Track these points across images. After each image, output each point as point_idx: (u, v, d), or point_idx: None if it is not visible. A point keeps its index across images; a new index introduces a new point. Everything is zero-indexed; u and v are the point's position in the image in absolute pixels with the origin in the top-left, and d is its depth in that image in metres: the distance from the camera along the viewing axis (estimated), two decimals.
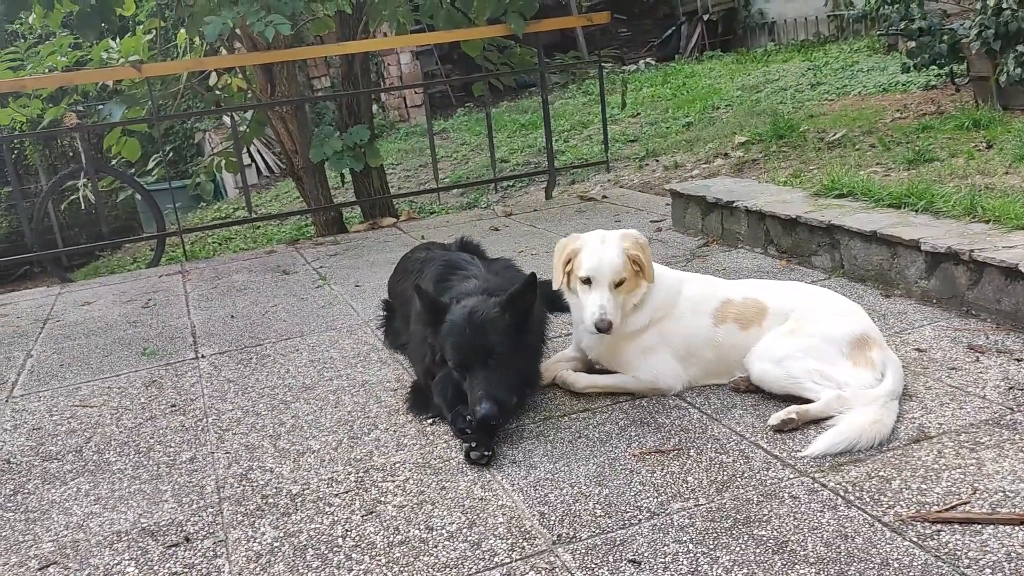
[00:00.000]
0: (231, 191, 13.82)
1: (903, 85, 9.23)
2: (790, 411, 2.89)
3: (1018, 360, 3.20)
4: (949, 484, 2.46)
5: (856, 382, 2.93)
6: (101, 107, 8.12)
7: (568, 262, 3.23)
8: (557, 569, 2.27)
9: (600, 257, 3.14)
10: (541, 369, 3.41)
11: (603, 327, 3.09)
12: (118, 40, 7.65)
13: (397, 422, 3.27)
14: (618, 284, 3.13)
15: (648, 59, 16.42)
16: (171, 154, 13.79)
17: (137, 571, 2.47)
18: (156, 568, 2.47)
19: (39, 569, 2.53)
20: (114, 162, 8.90)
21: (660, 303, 3.25)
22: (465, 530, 2.49)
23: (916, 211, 4.29)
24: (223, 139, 12.07)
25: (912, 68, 8.12)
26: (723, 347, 3.20)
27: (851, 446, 2.69)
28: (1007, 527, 2.24)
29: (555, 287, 3.33)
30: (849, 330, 3.06)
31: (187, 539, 2.60)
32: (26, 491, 3.01)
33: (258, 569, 2.42)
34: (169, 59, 7.94)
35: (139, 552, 2.56)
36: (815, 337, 3.04)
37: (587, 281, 3.15)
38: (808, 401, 2.95)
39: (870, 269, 4.20)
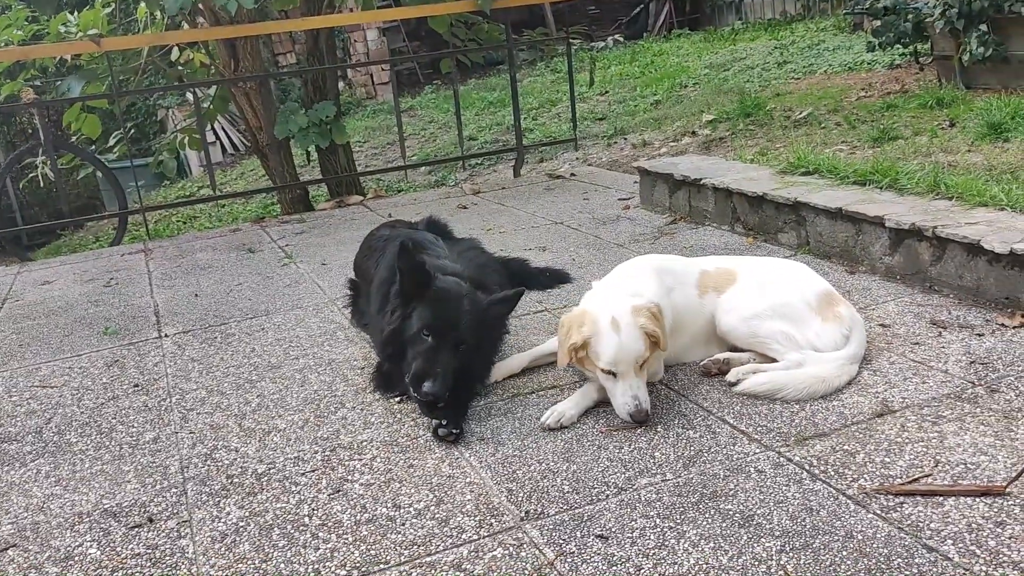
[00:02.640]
0: (196, 169, 13.62)
1: (868, 64, 9.29)
2: (748, 369, 3.01)
3: (979, 335, 3.24)
4: (912, 457, 2.49)
5: (825, 338, 3.02)
6: (60, 83, 7.93)
7: (577, 350, 2.90)
8: (525, 545, 2.27)
9: (621, 346, 2.81)
10: (519, 362, 3.37)
11: (641, 419, 2.79)
12: (76, 14, 7.45)
13: (364, 400, 3.24)
14: (643, 363, 2.86)
15: (616, 37, 16.37)
16: (133, 131, 13.54)
17: (99, 552, 2.43)
18: (119, 549, 2.44)
19: None
20: (74, 139, 8.70)
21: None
22: (433, 508, 2.48)
23: (881, 188, 4.33)
24: (187, 116, 11.86)
25: (877, 47, 8.18)
26: (706, 315, 3.22)
27: (775, 391, 2.87)
28: (968, 499, 2.27)
29: (560, 366, 3.08)
30: (817, 286, 3.17)
31: (150, 520, 2.57)
32: None
33: (223, 549, 2.39)
34: (130, 33, 7.76)
35: (101, 533, 2.52)
36: (784, 293, 3.11)
37: (610, 372, 2.85)
38: (772, 360, 3.04)
39: (835, 246, 4.23)
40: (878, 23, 8.06)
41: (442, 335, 3.02)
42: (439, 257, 3.52)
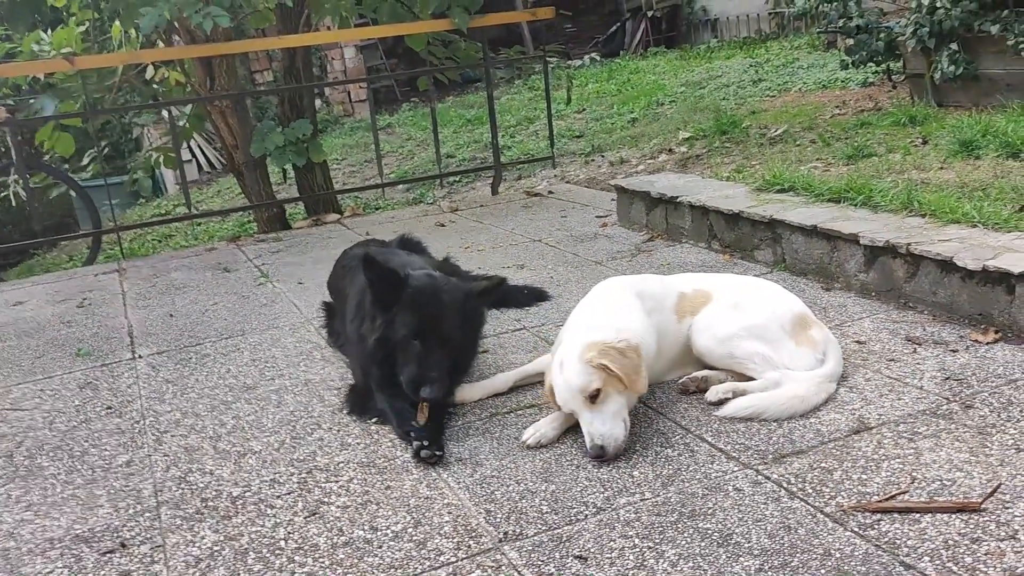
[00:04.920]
0: (171, 187, 13.51)
1: (842, 82, 9.40)
2: (728, 388, 3.00)
3: (953, 351, 3.27)
4: (888, 474, 2.50)
5: (798, 362, 3.03)
6: (33, 101, 7.86)
7: (552, 394, 2.86)
8: (503, 567, 2.25)
9: (562, 385, 2.77)
10: (504, 381, 3.34)
11: (597, 456, 2.68)
12: (50, 32, 7.40)
13: (341, 421, 3.21)
14: (595, 397, 2.73)
15: (593, 55, 16.49)
16: (107, 149, 13.43)
17: None
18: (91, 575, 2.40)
19: None
20: (47, 157, 8.60)
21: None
22: (410, 530, 2.46)
23: (855, 205, 4.37)
24: (162, 134, 11.78)
25: (850, 65, 8.28)
26: (684, 339, 3.21)
27: (758, 414, 2.87)
28: (944, 515, 2.28)
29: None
30: (790, 309, 3.16)
31: (123, 545, 2.53)
32: None
33: (197, 574, 2.35)
34: (104, 51, 7.71)
35: (73, 559, 2.48)
36: (759, 315, 3.11)
37: (569, 412, 2.81)
38: (750, 378, 3.04)
39: (811, 263, 4.26)
40: (851, 42, 8.17)
41: (428, 337, 3.02)
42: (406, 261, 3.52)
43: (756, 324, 3.09)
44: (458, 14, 6.94)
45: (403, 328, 3.05)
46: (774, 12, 14.67)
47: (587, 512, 2.46)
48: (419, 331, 3.03)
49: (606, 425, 2.71)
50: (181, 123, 7.90)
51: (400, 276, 3.14)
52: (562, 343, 2.95)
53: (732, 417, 2.90)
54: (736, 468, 2.62)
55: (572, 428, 2.92)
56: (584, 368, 2.75)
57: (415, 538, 2.42)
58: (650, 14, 16.63)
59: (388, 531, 2.46)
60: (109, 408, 3.56)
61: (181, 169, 7.54)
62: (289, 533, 2.50)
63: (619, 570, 2.19)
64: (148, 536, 2.57)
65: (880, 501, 2.36)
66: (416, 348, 3.02)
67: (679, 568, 2.18)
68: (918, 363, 3.20)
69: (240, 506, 2.68)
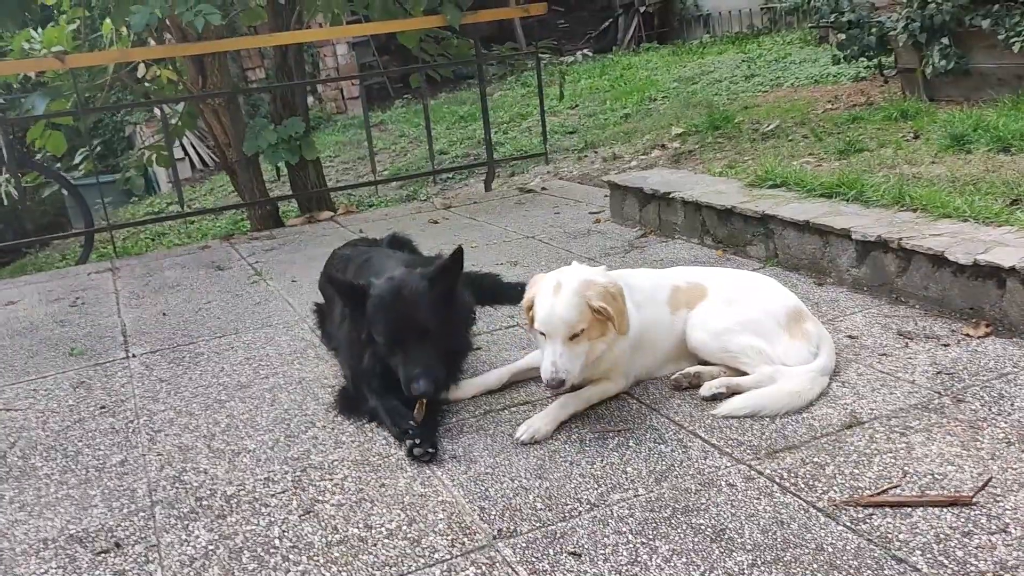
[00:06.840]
0: (164, 185, 13.48)
1: (834, 77, 9.42)
2: (722, 384, 3.02)
3: (945, 345, 3.28)
4: (880, 468, 2.51)
5: (792, 355, 3.04)
6: (24, 99, 7.83)
7: (530, 308, 2.95)
8: (498, 564, 2.26)
9: (551, 309, 2.84)
10: (497, 377, 3.33)
11: (553, 385, 2.83)
12: (40, 30, 7.37)
13: (335, 419, 3.22)
14: (576, 335, 2.85)
15: (586, 51, 16.49)
16: (99, 148, 13.40)
17: None
18: None
19: None
20: (39, 156, 8.57)
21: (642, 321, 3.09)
22: (405, 527, 2.47)
23: (847, 200, 4.38)
24: (154, 132, 11.74)
25: (842, 60, 8.29)
26: (678, 332, 3.22)
27: (755, 412, 2.88)
28: (936, 509, 2.29)
29: (528, 331, 3.11)
30: (784, 303, 3.18)
31: (117, 545, 2.53)
32: None
33: (192, 573, 2.36)
34: (95, 50, 7.68)
35: (67, 560, 2.48)
36: (753, 309, 3.12)
37: (542, 333, 2.88)
38: (743, 373, 3.06)
39: (803, 258, 4.28)
40: (843, 36, 8.18)
41: (399, 340, 3.02)
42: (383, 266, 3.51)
43: (751, 318, 3.10)
44: (450, 10, 6.94)
45: (378, 336, 3.06)
46: (766, 7, 14.69)
47: (581, 508, 2.47)
48: (392, 334, 3.03)
49: (572, 363, 2.84)
50: (173, 121, 7.88)
51: (360, 288, 3.15)
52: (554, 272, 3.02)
53: (730, 416, 2.90)
54: (729, 463, 2.63)
55: (566, 424, 2.94)
56: (579, 303, 2.83)
57: (409, 536, 2.42)
58: (642, 10, 16.64)
59: (382, 529, 2.47)
60: (103, 407, 3.55)
61: (174, 167, 7.53)
62: (284, 532, 2.51)
63: (613, 566, 2.20)
64: (143, 536, 2.57)
65: (872, 495, 2.38)
66: (395, 350, 3.02)
67: (672, 563, 2.19)
68: (910, 357, 3.22)
69: (234, 505, 2.68)
